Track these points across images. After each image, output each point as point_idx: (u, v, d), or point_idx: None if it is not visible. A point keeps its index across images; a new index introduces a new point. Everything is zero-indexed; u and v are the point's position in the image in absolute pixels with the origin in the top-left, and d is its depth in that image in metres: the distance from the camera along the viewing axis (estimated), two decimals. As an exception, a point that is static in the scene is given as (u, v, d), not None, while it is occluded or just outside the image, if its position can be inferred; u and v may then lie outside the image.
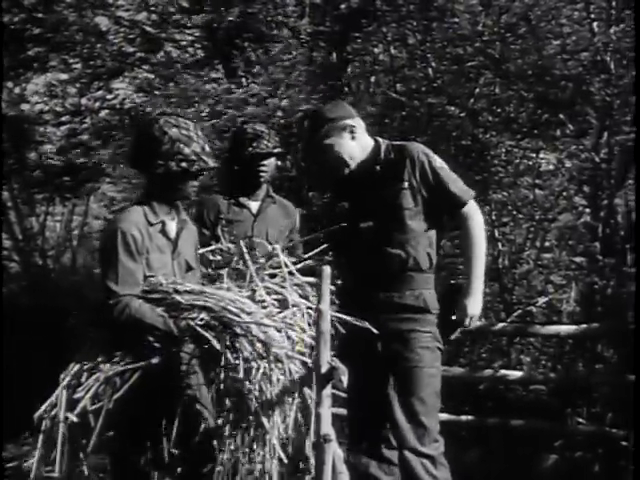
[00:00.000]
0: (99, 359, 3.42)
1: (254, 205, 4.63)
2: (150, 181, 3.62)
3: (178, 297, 3.44)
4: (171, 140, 3.51)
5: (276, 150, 4.60)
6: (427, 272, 3.88)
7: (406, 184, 3.83)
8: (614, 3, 7.06)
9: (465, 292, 3.86)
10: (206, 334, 3.35)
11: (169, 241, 3.63)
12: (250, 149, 4.53)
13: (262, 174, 4.59)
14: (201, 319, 3.38)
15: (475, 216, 3.90)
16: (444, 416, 5.72)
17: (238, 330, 3.37)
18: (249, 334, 3.36)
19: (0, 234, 10.54)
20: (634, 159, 6.61)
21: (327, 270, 3.34)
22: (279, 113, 7.53)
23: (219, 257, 3.87)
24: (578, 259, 7.81)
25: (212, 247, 3.93)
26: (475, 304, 3.82)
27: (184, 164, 3.52)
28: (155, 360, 3.38)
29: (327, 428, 3.15)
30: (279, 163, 5.09)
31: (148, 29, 9.70)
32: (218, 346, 3.36)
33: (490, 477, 5.88)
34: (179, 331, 3.40)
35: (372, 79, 8.58)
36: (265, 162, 4.57)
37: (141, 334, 3.42)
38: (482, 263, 3.87)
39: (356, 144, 3.92)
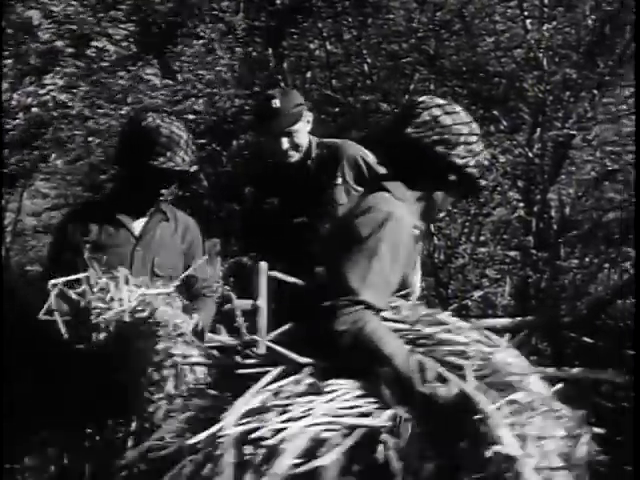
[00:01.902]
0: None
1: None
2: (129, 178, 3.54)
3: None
4: (158, 138, 3.45)
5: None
6: None
7: (340, 180, 3.88)
8: (546, 1, 7.15)
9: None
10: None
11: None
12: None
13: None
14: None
15: None
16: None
17: None
18: None
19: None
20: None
21: (263, 265, 3.33)
22: (212, 109, 7.50)
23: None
24: (512, 253, 7.91)
25: (71, 277, 3.20)
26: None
27: (166, 164, 3.44)
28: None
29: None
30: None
31: (79, 24, 9.56)
32: None
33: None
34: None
35: (308, 75, 8.58)
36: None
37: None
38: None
39: (307, 135, 3.95)
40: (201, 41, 8.20)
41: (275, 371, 2.43)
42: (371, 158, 3.89)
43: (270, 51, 8.23)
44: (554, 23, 7.16)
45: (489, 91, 7.25)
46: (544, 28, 7.12)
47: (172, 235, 3.72)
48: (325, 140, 3.99)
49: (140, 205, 3.60)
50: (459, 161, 2.80)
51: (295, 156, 3.91)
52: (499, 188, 7.83)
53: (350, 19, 7.90)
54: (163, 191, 3.57)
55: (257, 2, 8.39)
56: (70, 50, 9.63)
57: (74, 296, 3.15)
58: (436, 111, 2.81)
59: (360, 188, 3.92)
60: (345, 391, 2.36)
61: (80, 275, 3.22)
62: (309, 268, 3.23)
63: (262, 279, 3.31)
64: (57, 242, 3.63)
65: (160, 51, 8.67)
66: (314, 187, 3.89)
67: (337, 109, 7.81)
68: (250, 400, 2.32)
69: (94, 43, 9.49)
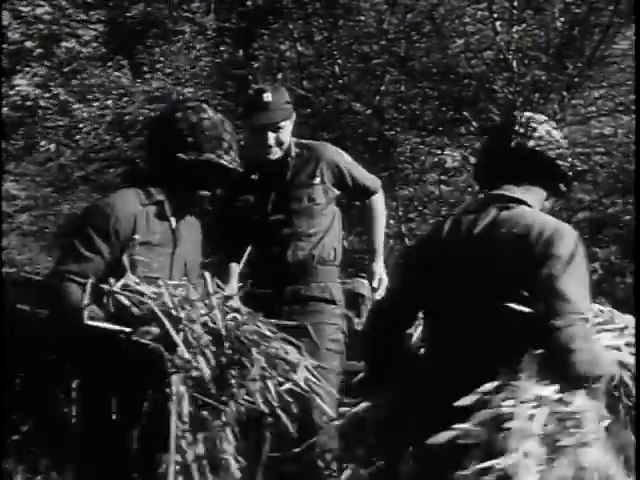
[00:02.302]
0: None
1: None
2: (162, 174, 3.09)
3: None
4: (194, 129, 3.11)
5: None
6: (333, 265, 3.95)
7: (318, 179, 3.90)
8: (516, 3, 7.21)
9: (373, 258, 4.15)
10: None
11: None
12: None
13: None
14: None
15: (380, 198, 4.24)
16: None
17: None
18: None
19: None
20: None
21: (234, 267, 3.32)
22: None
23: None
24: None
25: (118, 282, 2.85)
26: (382, 268, 4.14)
27: (203, 156, 3.09)
28: None
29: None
30: None
31: (48, 24, 9.51)
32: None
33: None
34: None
35: (279, 75, 8.58)
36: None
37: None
38: (383, 235, 4.23)
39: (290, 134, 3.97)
40: (177, 38, 8.19)
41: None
42: (349, 160, 3.96)
43: (241, 52, 8.22)
44: (523, 25, 7.23)
45: (459, 92, 7.30)
46: (513, 30, 7.18)
47: (198, 239, 3.42)
48: (302, 141, 4.01)
49: (184, 204, 3.22)
50: (569, 172, 2.99)
51: (277, 153, 3.91)
52: (470, 189, 7.88)
53: (321, 20, 7.91)
54: (207, 192, 3.24)
55: (228, 3, 8.38)
56: (39, 51, 9.57)
57: (150, 302, 2.80)
58: (547, 126, 2.96)
59: (337, 191, 3.99)
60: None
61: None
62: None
63: (233, 281, 3.31)
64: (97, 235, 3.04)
65: (130, 52, 8.65)
66: (293, 185, 3.90)
67: (309, 110, 7.82)
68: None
69: (64, 44, 9.44)
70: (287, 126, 3.89)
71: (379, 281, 4.12)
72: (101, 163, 8.27)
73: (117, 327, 2.73)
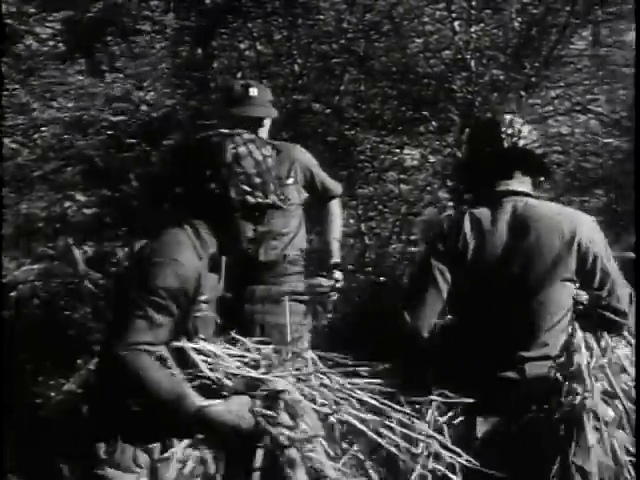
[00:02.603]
0: None
1: None
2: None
3: None
4: (260, 168, 2.87)
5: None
6: (301, 265, 4.03)
7: (292, 180, 3.96)
8: (474, 3, 7.26)
9: (331, 255, 4.43)
10: None
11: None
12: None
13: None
14: None
15: (339, 202, 4.53)
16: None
17: None
18: None
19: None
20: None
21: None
22: (144, 107, 7.43)
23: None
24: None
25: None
26: (338, 266, 4.45)
27: (270, 199, 2.90)
28: None
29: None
30: None
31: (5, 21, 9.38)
32: None
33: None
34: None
35: (238, 75, 8.56)
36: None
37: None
38: (340, 236, 4.70)
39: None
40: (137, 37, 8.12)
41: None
42: (316, 163, 4.07)
43: (200, 51, 8.18)
44: (482, 25, 7.29)
45: (418, 92, 7.33)
46: (472, 30, 7.24)
47: None
48: (274, 142, 4.04)
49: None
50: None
51: None
52: (429, 188, 7.93)
53: (280, 19, 7.90)
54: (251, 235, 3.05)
55: (187, 1, 8.34)
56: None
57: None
58: (527, 125, 3.48)
59: (306, 193, 4.14)
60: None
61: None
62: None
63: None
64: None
65: (88, 50, 8.56)
66: None
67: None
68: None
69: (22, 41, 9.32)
70: (267, 124, 3.92)
71: (335, 279, 4.28)
72: (59, 162, 8.19)
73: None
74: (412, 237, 7.99)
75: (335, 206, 4.60)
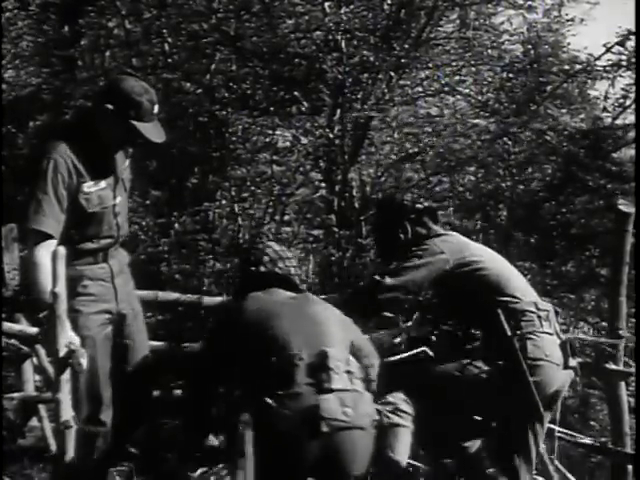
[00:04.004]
0: None
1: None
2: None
3: None
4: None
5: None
6: None
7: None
8: (344, -16, 7.29)
9: None
10: None
11: None
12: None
13: None
14: None
15: None
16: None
17: None
18: None
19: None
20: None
21: (62, 251, 3.24)
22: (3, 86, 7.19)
23: None
24: (316, 232, 8.07)
25: None
26: None
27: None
28: None
29: (67, 415, 3.07)
30: None
31: None
32: None
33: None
34: None
35: (107, 53, 8.38)
36: None
37: None
38: None
39: None
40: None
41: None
42: None
43: (67, 29, 7.96)
44: (352, 7, 7.33)
45: (290, 72, 7.32)
46: (342, 12, 7.27)
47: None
48: None
49: None
50: None
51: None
52: (302, 169, 7.96)
53: (149, -3, 7.77)
54: None
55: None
56: None
57: None
58: None
59: None
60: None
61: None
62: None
63: (60, 265, 3.22)
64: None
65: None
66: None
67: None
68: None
69: None
70: None
71: None
72: None
73: None
74: (285, 217, 8.01)
75: None
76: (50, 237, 3.31)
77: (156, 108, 3.53)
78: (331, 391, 3.01)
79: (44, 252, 3.26)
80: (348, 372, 3.09)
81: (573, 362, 3.59)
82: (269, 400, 3.00)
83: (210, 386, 3.41)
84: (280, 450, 3.02)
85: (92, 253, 3.49)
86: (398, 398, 3.20)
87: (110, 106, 3.42)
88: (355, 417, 3.01)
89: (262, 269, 3.47)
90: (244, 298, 3.35)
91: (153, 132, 3.49)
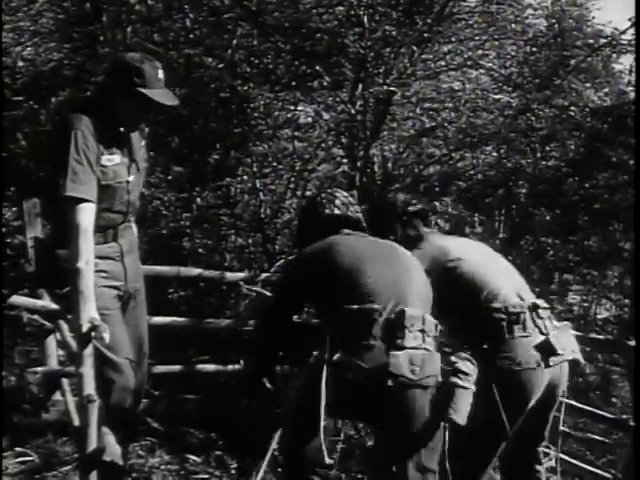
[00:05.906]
0: None
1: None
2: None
3: None
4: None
5: None
6: None
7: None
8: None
9: None
10: None
11: None
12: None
13: None
14: None
15: None
16: (212, 367, 5.79)
17: None
18: None
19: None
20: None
21: (89, 227, 3.27)
22: (21, 63, 7.19)
23: None
24: (336, 207, 8.01)
25: None
26: None
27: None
28: None
29: (90, 389, 3.09)
30: None
31: None
32: None
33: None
34: None
35: (129, 29, 8.36)
36: None
37: None
38: None
39: None
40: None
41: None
42: None
43: (88, 5, 7.95)
44: (373, -19, 7.27)
45: (312, 47, 7.28)
46: (364, -14, 7.22)
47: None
48: None
49: None
50: None
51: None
52: (323, 145, 7.93)
53: (170, -27, 7.73)
54: None
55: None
56: None
57: None
58: None
59: None
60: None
61: None
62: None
63: (85, 241, 3.26)
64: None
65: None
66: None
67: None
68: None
69: None
70: None
71: None
72: None
73: None
74: (307, 193, 8.00)
75: None
76: (90, 202, 3.36)
77: (161, 73, 3.58)
78: (403, 348, 3.02)
79: (88, 218, 3.30)
80: (422, 331, 3.09)
81: (556, 359, 3.46)
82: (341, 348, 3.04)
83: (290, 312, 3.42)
84: (347, 397, 3.04)
85: (102, 231, 3.52)
86: (460, 358, 3.18)
87: (116, 80, 3.49)
88: (421, 376, 3.02)
89: (336, 212, 3.46)
90: (323, 240, 3.33)
91: (163, 96, 3.53)
